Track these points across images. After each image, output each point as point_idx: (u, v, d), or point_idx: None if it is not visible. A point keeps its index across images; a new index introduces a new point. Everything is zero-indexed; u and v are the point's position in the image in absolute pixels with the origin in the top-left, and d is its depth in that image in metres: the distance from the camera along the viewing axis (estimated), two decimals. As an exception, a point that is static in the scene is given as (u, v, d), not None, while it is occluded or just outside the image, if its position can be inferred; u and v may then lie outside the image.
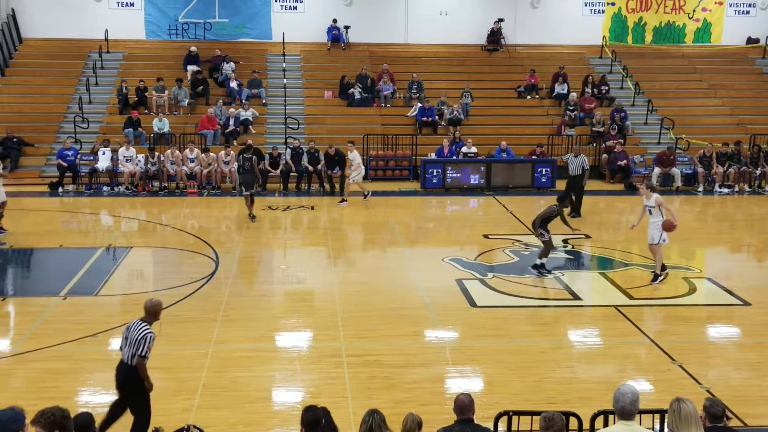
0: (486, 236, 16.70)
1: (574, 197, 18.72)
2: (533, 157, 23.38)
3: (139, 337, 7.51)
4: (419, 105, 25.63)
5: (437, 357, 10.52)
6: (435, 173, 22.84)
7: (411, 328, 11.49)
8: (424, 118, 25.30)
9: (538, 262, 14.10)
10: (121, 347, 7.77)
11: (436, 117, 25.52)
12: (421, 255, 15.94)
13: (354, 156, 20.85)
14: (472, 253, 15.52)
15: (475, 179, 22.96)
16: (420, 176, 23.09)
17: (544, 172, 23.08)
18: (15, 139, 23.10)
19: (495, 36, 29.52)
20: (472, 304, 12.54)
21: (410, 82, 26.68)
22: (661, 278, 13.61)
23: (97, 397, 9.10)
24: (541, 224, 14.03)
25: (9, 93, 26.23)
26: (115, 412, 7.83)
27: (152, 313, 7.80)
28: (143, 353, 7.51)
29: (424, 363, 10.24)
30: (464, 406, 6.43)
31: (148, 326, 7.65)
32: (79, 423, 5.68)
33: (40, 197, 20.58)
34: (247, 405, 8.92)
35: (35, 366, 10.01)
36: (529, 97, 27.27)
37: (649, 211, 13.60)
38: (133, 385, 7.62)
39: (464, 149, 23.72)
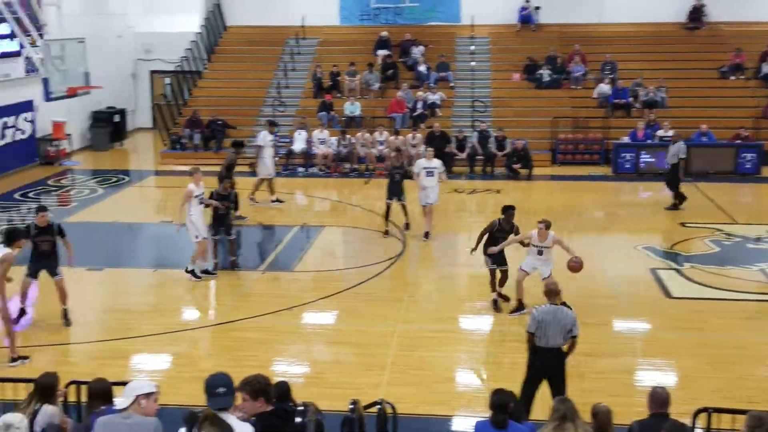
0: (683, 224, 15.87)
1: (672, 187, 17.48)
2: (737, 141, 21.88)
3: (569, 321, 7.89)
4: (603, 85, 24.65)
5: (627, 347, 10.19)
6: (628, 157, 21.96)
7: (600, 317, 11.17)
8: (617, 100, 24.33)
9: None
10: (539, 336, 7.86)
11: (630, 99, 24.47)
12: (612, 242, 15.44)
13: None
14: (668, 242, 14.81)
15: (671, 164, 21.83)
16: (611, 160, 22.31)
17: (748, 158, 21.57)
18: (220, 122, 24.65)
19: (697, 13, 27.77)
20: (668, 294, 12.00)
21: (603, 62, 25.74)
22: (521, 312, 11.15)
23: (292, 368, 9.59)
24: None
25: (215, 78, 28.01)
26: (532, 395, 7.99)
27: (558, 293, 8.20)
28: (577, 333, 7.97)
29: (613, 353, 9.96)
30: (662, 400, 6.19)
31: (568, 309, 8.19)
32: (278, 391, 5.93)
33: (240, 177, 21.84)
34: (433, 384, 9.07)
35: (235, 335, 10.71)
36: (733, 77, 25.46)
37: (539, 251, 11.23)
38: (563, 366, 7.99)
39: (660, 132, 22.60)
